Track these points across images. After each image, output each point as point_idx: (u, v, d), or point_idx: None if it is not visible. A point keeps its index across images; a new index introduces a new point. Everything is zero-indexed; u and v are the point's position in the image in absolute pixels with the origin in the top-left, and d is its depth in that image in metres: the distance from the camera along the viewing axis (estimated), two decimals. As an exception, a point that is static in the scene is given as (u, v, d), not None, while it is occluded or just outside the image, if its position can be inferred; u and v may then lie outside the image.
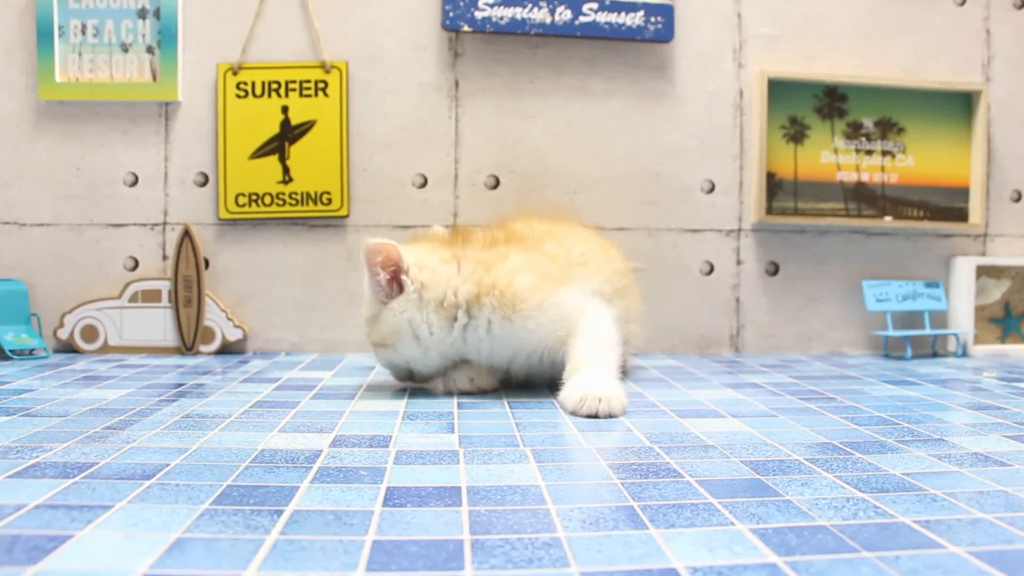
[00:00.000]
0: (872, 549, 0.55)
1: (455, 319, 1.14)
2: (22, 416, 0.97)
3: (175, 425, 0.93)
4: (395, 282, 1.14)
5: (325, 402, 1.09)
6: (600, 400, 1.00)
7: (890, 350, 1.70)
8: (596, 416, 1.00)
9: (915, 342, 1.70)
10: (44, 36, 1.56)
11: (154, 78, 1.58)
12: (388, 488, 0.69)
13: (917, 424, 0.97)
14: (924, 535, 0.58)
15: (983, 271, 1.73)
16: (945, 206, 1.73)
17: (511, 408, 1.06)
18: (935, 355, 1.69)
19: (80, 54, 1.57)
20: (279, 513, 0.62)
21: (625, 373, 1.39)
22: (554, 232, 1.32)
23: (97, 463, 0.76)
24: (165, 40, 1.57)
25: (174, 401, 1.08)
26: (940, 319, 1.75)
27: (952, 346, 1.73)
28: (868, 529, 0.59)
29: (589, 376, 1.05)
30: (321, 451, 0.82)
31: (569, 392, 1.04)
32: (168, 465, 0.75)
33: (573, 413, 1.02)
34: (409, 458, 0.79)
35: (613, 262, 1.35)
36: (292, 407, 1.05)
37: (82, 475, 0.72)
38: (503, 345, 1.15)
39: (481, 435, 0.90)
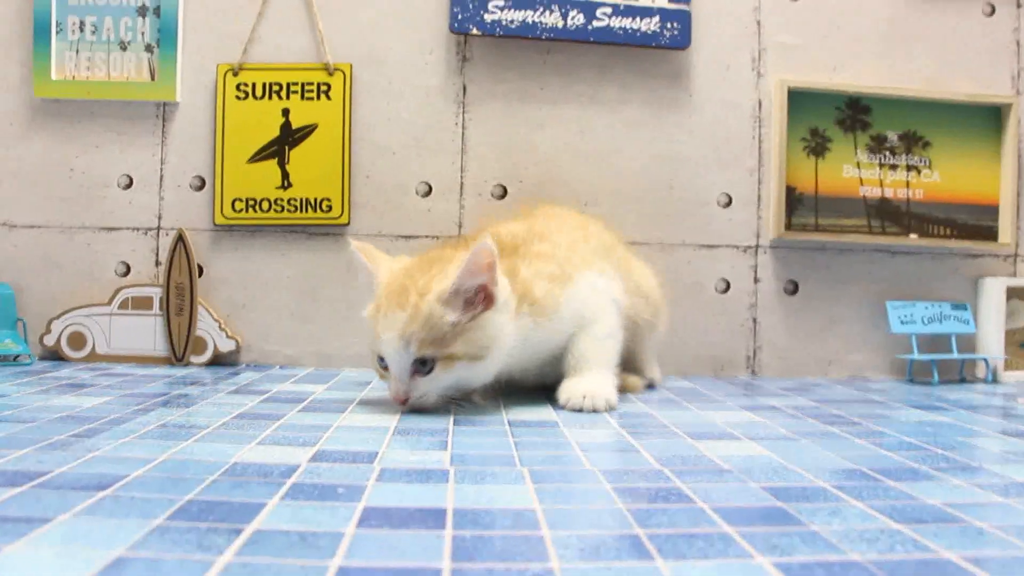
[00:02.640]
0: (914, 589, 0.48)
1: None
2: (-15, 422, 0.91)
3: (147, 435, 0.87)
4: None
5: (312, 415, 1.02)
6: (584, 397, 1.11)
7: (915, 375, 1.61)
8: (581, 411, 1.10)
9: (942, 367, 1.61)
10: (41, 32, 1.51)
11: (152, 77, 1.52)
12: (365, 508, 0.62)
13: (951, 451, 0.89)
14: (973, 573, 0.51)
15: (1014, 293, 1.64)
16: (973, 224, 1.65)
17: (511, 426, 0.99)
18: (963, 381, 1.60)
19: (77, 51, 1.52)
20: (238, 532, 0.55)
21: (653, 388, 1.36)
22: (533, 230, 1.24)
23: (51, 472, 0.69)
24: (164, 39, 1.52)
25: (152, 411, 1.01)
26: (968, 343, 1.66)
27: (981, 372, 1.64)
28: (908, 565, 0.52)
29: (582, 375, 1.15)
30: (298, 466, 0.75)
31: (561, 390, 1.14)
32: (128, 476, 0.69)
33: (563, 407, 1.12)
34: (393, 476, 0.72)
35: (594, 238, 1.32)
36: (276, 420, 0.98)
37: (31, 484, 0.65)
38: None
39: (476, 453, 0.83)
